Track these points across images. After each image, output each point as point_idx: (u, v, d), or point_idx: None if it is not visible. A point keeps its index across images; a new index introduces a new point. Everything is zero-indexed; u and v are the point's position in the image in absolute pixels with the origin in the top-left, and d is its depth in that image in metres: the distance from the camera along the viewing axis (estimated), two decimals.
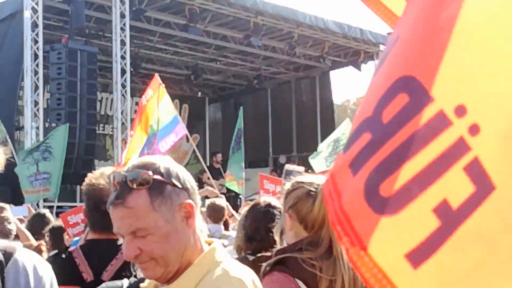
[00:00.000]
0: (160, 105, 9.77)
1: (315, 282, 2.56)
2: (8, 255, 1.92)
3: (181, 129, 10.13)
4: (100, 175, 3.16)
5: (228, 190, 17.32)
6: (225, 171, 17.78)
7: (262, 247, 3.31)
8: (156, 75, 10.29)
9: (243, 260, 3.39)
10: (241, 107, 14.85)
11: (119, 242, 3.24)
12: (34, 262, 1.98)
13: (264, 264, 2.67)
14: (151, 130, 9.89)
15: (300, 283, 2.55)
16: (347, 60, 21.30)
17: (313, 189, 2.75)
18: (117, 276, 2.86)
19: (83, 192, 3.23)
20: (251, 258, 3.39)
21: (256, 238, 3.35)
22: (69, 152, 13.21)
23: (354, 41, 19.75)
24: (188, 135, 11.45)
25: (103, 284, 2.62)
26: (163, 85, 9.93)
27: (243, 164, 13.55)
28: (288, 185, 2.84)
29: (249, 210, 3.64)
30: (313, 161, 13.62)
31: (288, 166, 13.16)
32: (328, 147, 13.63)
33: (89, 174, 3.23)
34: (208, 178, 17.53)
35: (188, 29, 16.75)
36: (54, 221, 7.24)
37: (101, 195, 3.11)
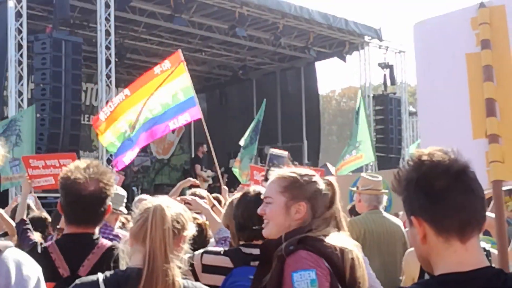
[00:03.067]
0: (177, 81, 9.22)
1: (335, 259, 2.69)
2: None
3: (197, 113, 9.36)
4: (76, 168, 3.15)
5: (213, 180, 17.37)
6: (208, 163, 17.83)
7: (254, 236, 3.34)
8: (179, 51, 9.55)
9: (236, 250, 3.43)
10: (264, 100, 14.87)
11: (95, 236, 3.26)
12: (20, 262, 1.95)
13: (284, 244, 2.74)
14: (163, 107, 9.36)
15: (323, 260, 2.68)
16: (332, 51, 21.34)
17: (326, 187, 2.98)
18: (94, 271, 2.79)
19: (60, 187, 3.21)
20: (245, 249, 3.38)
21: (248, 226, 3.38)
22: (54, 143, 13.18)
23: (339, 32, 19.79)
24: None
25: (78, 280, 2.62)
26: (185, 63, 9.31)
27: (252, 157, 13.74)
28: (296, 176, 2.97)
29: (239, 199, 3.63)
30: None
31: (272, 151, 13.23)
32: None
33: (63, 168, 3.23)
34: (201, 170, 17.63)
35: (173, 19, 16.72)
36: (37, 213, 7.26)
37: (78, 188, 3.12)
